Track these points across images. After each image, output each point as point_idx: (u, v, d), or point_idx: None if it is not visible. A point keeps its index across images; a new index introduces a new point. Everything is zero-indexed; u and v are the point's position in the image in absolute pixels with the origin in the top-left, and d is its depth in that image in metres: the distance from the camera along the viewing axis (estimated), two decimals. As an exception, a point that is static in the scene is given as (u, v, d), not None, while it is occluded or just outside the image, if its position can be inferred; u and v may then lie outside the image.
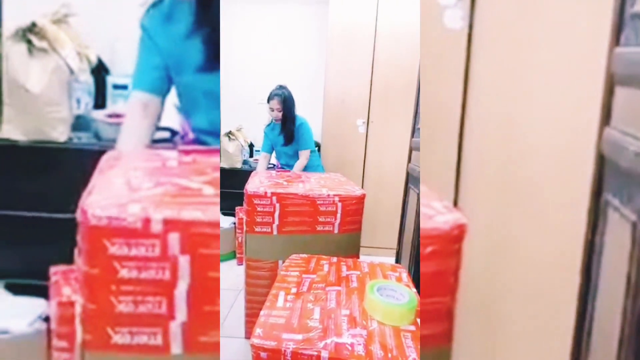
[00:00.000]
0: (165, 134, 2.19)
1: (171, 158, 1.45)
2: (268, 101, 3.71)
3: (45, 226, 1.91)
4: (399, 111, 3.98)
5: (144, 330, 1.10)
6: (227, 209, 4.29)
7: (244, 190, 2.27)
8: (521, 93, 1.36)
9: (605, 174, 1.23)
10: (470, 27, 1.55)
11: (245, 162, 4.63)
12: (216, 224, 1.09)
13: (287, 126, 3.74)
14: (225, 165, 4.54)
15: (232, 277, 3.54)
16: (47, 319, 1.65)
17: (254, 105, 4.86)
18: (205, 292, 1.11)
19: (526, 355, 1.35)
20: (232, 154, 4.54)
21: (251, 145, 4.80)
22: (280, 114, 3.71)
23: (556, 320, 1.39)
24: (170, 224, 1.06)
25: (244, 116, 4.86)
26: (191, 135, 2.10)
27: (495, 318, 1.57)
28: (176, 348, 1.11)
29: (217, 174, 1.36)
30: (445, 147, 1.56)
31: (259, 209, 2.22)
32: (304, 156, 3.73)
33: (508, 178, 1.48)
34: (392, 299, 1.45)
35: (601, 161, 1.24)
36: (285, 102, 3.68)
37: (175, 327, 1.10)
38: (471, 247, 1.56)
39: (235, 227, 3.95)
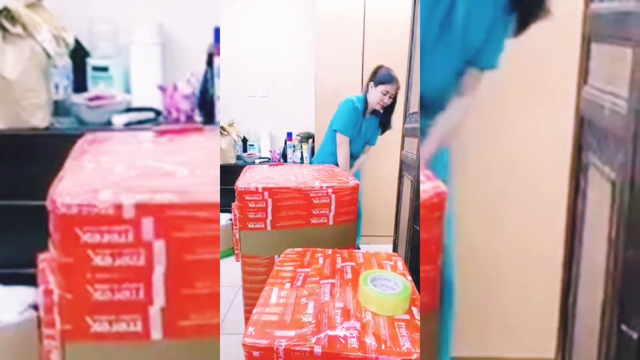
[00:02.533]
0: (150, 115, 2.16)
1: (146, 140, 1.42)
2: (382, 83, 3.16)
3: (31, 214, 1.89)
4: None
5: (122, 317, 1.08)
6: (223, 205, 4.27)
7: (235, 187, 2.24)
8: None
9: (585, 133, 1.21)
10: None
11: (239, 158, 4.59)
12: (192, 206, 1.07)
13: (388, 116, 3.36)
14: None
15: (231, 273, 3.52)
16: (36, 308, 1.65)
17: (245, 98, 4.81)
18: (183, 276, 1.09)
19: (522, 302, 1.35)
20: (225, 150, 4.50)
21: (244, 140, 4.75)
22: (390, 102, 3.22)
23: (545, 271, 1.39)
24: (143, 209, 1.04)
25: (236, 110, 4.81)
26: (174, 115, 2.08)
27: (493, 276, 1.58)
28: (156, 334, 1.09)
29: (198, 153, 1.33)
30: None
31: (250, 205, 2.20)
32: (368, 152, 3.51)
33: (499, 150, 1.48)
34: (387, 289, 1.43)
35: (581, 120, 1.22)
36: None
37: (154, 312, 1.09)
38: (468, 214, 1.55)
39: (232, 223, 3.93)
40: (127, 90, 2.27)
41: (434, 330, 1.26)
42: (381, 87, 3.12)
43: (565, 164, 1.29)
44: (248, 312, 2.35)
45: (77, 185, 1.09)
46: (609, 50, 1.08)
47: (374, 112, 3.31)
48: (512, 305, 1.67)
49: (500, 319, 1.72)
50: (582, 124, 1.23)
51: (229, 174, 4.22)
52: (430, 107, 1.43)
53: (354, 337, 1.21)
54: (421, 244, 1.16)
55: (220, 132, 4.50)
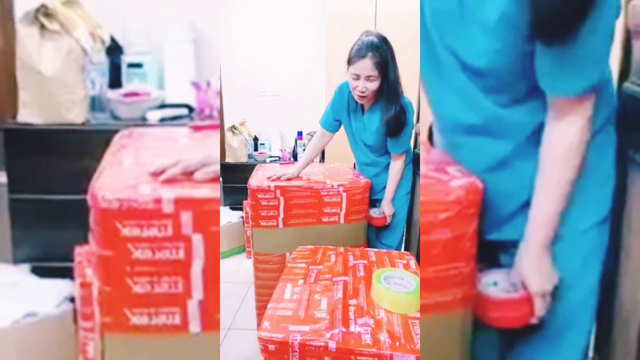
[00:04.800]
0: (183, 111, 2.17)
1: (183, 135, 1.43)
2: (349, 62, 2.18)
3: (68, 208, 1.92)
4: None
5: (161, 310, 1.09)
6: (234, 203, 4.33)
7: (247, 185, 2.25)
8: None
9: (626, 129, 1.20)
10: None
11: (250, 157, 4.61)
12: (219, 201, 1.09)
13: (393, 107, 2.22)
14: (230, 159, 4.55)
15: (242, 270, 3.59)
16: (73, 300, 1.67)
17: (256, 97, 4.82)
18: (217, 270, 1.10)
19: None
20: (237, 149, 4.53)
21: (255, 139, 4.77)
22: (374, 86, 2.17)
23: None
24: (182, 203, 1.05)
25: (247, 110, 4.82)
26: (207, 111, 2.09)
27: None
28: (195, 326, 1.11)
29: (217, 149, 1.34)
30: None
31: (263, 203, 2.21)
32: (400, 161, 2.40)
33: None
34: (400, 287, 1.44)
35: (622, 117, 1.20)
36: (383, 66, 2.13)
37: (192, 305, 1.10)
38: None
39: (243, 220, 3.99)
40: (161, 86, 2.29)
41: (465, 329, 1.25)
42: (350, 69, 2.17)
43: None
44: (260, 308, 2.38)
45: (117, 180, 1.11)
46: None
47: (377, 104, 2.30)
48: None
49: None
50: (623, 121, 1.21)
51: (240, 172, 4.30)
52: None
53: (367, 333, 1.22)
54: (448, 241, 1.15)
55: (232, 131, 4.53)
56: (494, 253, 1.37)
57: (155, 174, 1.14)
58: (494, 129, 1.21)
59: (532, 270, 1.19)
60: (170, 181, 1.11)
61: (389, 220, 2.45)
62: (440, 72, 1.24)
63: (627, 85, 1.23)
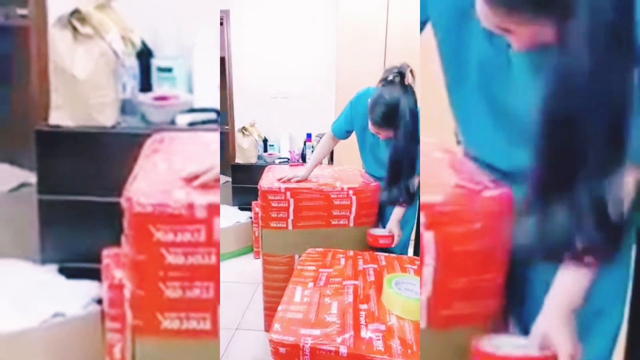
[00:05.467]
0: (212, 115, 2.19)
1: (214, 140, 1.44)
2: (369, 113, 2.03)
3: (97, 210, 1.94)
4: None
5: (193, 315, 1.10)
6: (243, 203, 4.33)
7: (258, 186, 2.26)
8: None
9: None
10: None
11: (259, 157, 4.62)
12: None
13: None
14: (240, 160, 4.55)
15: (250, 271, 3.57)
16: (100, 302, 1.69)
17: (266, 99, 4.83)
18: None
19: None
20: (247, 150, 4.54)
21: (265, 140, 4.78)
22: (389, 134, 2.01)
23: None
24: (214, 209, 1.06)
25: (257, 111, 4.82)
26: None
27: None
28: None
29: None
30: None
31: (273, 204, 2.22)
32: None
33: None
34: (411, 293, 1.42)
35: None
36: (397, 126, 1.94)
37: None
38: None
39: (252, 221, 3.99)
40: (189, 90, 2.31)
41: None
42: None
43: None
44: (268, 310, 2.39)
45: (151, 185, 1.12)
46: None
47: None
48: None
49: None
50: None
51: (250, 173, 4.33)
52: None
53: (379, 339, 1.22)
54: (486, 250, 1.14)
55: (242, 132, 4.55)
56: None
57: (189, 180, 1.14)
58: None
59: (560, 330, 1.03)
60: (203, 186, 1.12)
61: (396, 241, 2.19)
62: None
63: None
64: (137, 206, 1.04)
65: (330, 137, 2.53)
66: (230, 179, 4.61)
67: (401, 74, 1.93)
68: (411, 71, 1.95)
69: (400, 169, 2.01)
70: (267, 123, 4.83)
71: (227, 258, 3.77)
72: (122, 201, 1.08)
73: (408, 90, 1.92)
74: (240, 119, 4.72)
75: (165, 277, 1.07)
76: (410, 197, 2.04)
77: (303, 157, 4.58)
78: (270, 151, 4.75)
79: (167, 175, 1.18)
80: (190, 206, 1.05)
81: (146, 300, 1.09)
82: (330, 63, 4.36)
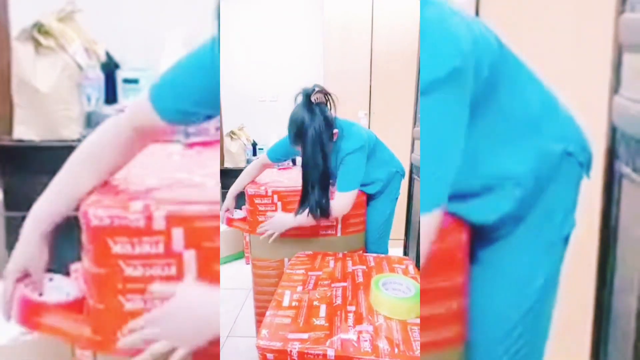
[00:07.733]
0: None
1: (175, 152, 1.43)
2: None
3: (64, 225, 1.92)
4: (401, 101, 3.89)
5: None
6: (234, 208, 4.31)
7: (244, 191, 2.26)
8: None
9: (617, 143, 1.19)
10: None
11: (248, 162, 4.61)
12: (217, 217, 1.08)
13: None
14: (229, 165, 4.55)
15: (241, 276, 3.58)
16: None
17: (255, 102, 4.84)
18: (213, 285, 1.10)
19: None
20: (235, 154, 4.55)
21: (254, 144, 4.79)
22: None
23: (579, 279, 1.37)
24: (173, 220, 1.05)
25: (245, 115, 4.85)
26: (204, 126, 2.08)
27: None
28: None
29: (217, 166, 1.34)
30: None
31: (260, 208, 2.22)
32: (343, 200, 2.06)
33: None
34: (399, 293, 1.44)
35: (613, 130, 1.20)
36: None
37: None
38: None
39: None
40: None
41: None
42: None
43: (597, 175, 1.27)
44: (259, 315, 2.38)
45: (108, 197, 1.11)
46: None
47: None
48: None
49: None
50: (614, 135, 1.21)
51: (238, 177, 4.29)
52: None
53: (366, 340, 1.22)
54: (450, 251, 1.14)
55: (231, 136, 4.56)
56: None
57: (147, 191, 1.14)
58: None
59: None
60: (161, 198, 1.11)
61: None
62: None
63: (617, 99, 1.23)
64: (94, 219, 1.03)
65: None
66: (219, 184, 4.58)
67: (306, 95, 2.00)
68: (323, 91, 2.07)
69: (308, 182, 1.98)
70: (256, 126, 4.84)
71: (220, 273, 3.72)
72: (79, 215, 1.07)
73: (313, 108, 1.98)
74: (228, 123, 4.71)
75: (125, 290, 1.06)
76: (322, 212, 1.98)
77: (293, 160, 4.59)
78: (259, 155, 4.74)
79: (124, 187, 1.17)
80: (148, 218, 1.04)
81: (105, 314, 1.07)
82: (318, 65, 4.40)
